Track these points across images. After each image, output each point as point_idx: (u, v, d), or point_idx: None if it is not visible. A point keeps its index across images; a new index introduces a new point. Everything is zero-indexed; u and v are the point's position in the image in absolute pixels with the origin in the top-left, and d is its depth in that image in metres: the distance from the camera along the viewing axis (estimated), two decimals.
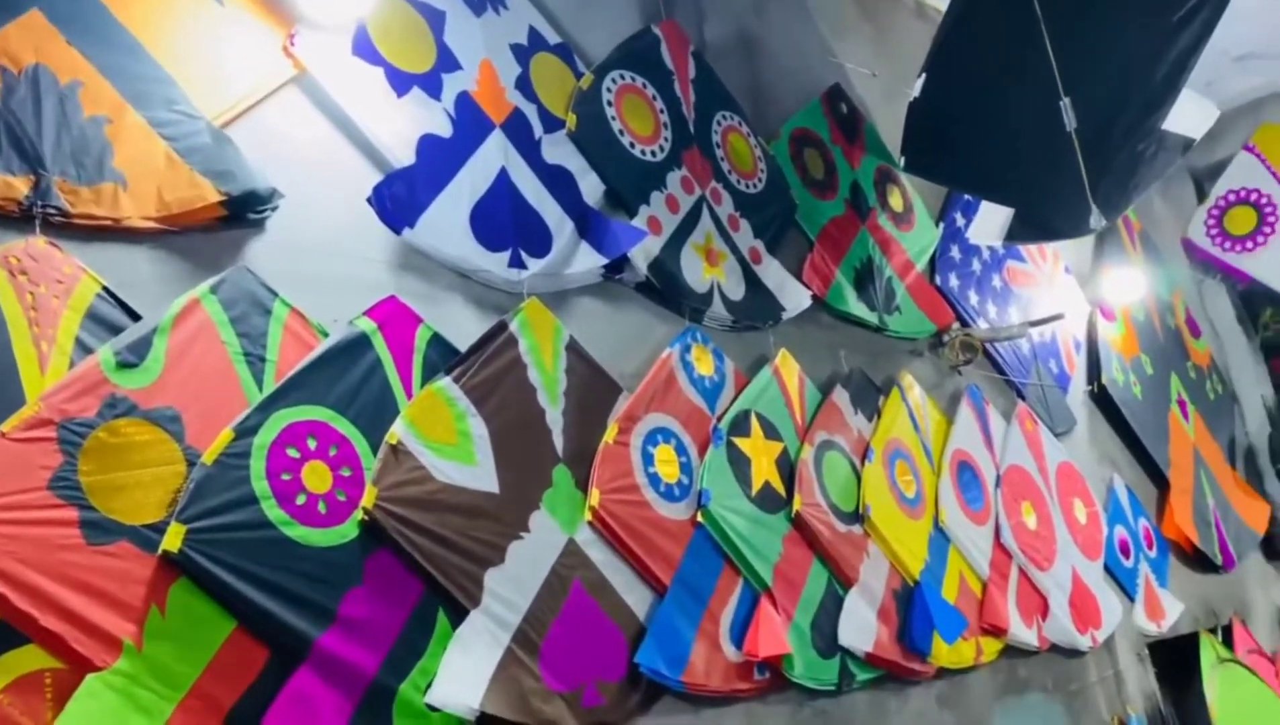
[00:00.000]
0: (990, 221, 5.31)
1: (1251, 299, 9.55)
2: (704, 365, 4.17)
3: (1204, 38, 4.43)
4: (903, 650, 4.45)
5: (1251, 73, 8.73)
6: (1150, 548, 6.86)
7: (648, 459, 3.73)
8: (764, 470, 4.19)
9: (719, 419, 4.13)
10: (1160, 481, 7.35)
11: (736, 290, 4.51)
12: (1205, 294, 9.43)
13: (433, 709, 2.86)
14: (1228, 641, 7.25)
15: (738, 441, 4.12)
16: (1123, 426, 7.10)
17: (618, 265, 3.97)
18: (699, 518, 3.82)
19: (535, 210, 3.72)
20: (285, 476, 2.73)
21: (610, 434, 3.62)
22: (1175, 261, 9.07)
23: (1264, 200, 9.11)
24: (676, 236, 4.27)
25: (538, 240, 3.68)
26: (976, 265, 6.28)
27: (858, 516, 4.55)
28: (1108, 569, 6.29)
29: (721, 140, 4.72)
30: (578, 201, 3.90)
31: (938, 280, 5.92)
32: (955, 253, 6.12)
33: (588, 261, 3.84)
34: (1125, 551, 6.54)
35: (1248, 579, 8.10)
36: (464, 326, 3.40)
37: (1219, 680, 6.74)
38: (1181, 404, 7.99)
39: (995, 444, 5.72)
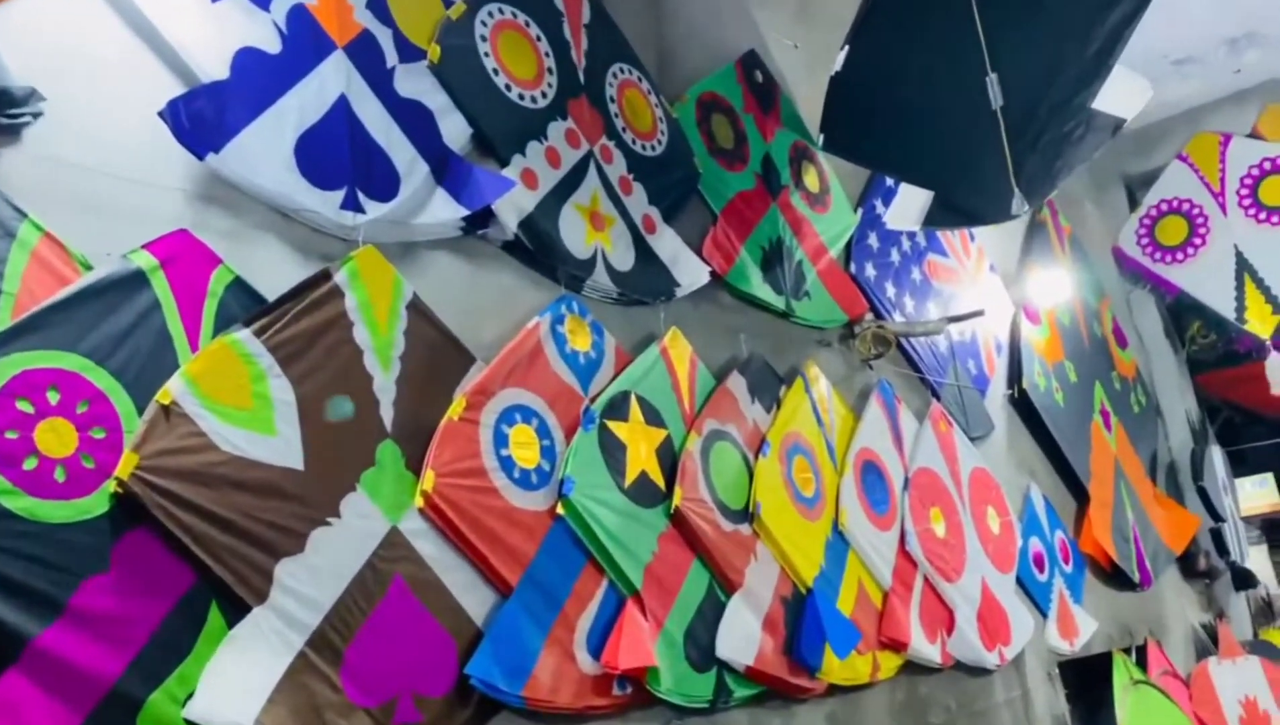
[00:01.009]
0: (908, 205, 4.94)
1: (1180, 312, 9.37)
2: (579, 339, 3.71)
3: (1141, 7, 4.09)
4: (790, 664, 4.03)
5: (1190, 78, 8.52)
6: (1066, 562, 6.56)
7: (501, 439, 3.25)
8: (641, 459, 3.74)
9: (593, 400, 3.67)
10: (1079, 493, 7.06)
11: (624, 259, 4.06)
12: (1134, 304, 9.23)
13: (191, 724, 2.36)
14: (1141, 662, 7.00)
15: (613, 426, 3.66)
16: (1043, 434, 6.80)
17: (481, 220, 3.49)
18: (559, 509, 3.35)
19: (381, 148, 3.22)
20: (11, 434, 2.21)
21: (456, 409, 3.13)
22: (1105, 269, 8.84)
23: (1195, 211, 8.92)
24: (556, 194, 3.80)
25: (381, 182, 3.18)
26: (895, 256, 5.90)
27: (747, 515, 4.12)
28: (1020, 582, 5.97)
29: (617, 95, 4.26)
30: (436, 143, 3.41)
31: (853, 268, 5.53)
32: (873, 241, 5.74)
33: (444, 212, 3.36)
34: (1040, 565, 6.22)
35: (1164, 598, 7.87)
36: (280, 274, 2.89)
37: (1130, 702, 6.47)
38: (1104, 414, 7.73)
39: (905, 444, 5.35)
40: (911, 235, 6.10)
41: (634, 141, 4.27)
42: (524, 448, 3.33)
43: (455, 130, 3.51)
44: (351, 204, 3.07)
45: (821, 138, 4.46)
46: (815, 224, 5.30)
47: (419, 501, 2.96)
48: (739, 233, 4.74)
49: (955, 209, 4.87)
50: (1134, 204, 9.42)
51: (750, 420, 4.38)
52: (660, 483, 3.80)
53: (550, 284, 3.74)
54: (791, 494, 4.40)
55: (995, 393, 6.51)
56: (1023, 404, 6.69)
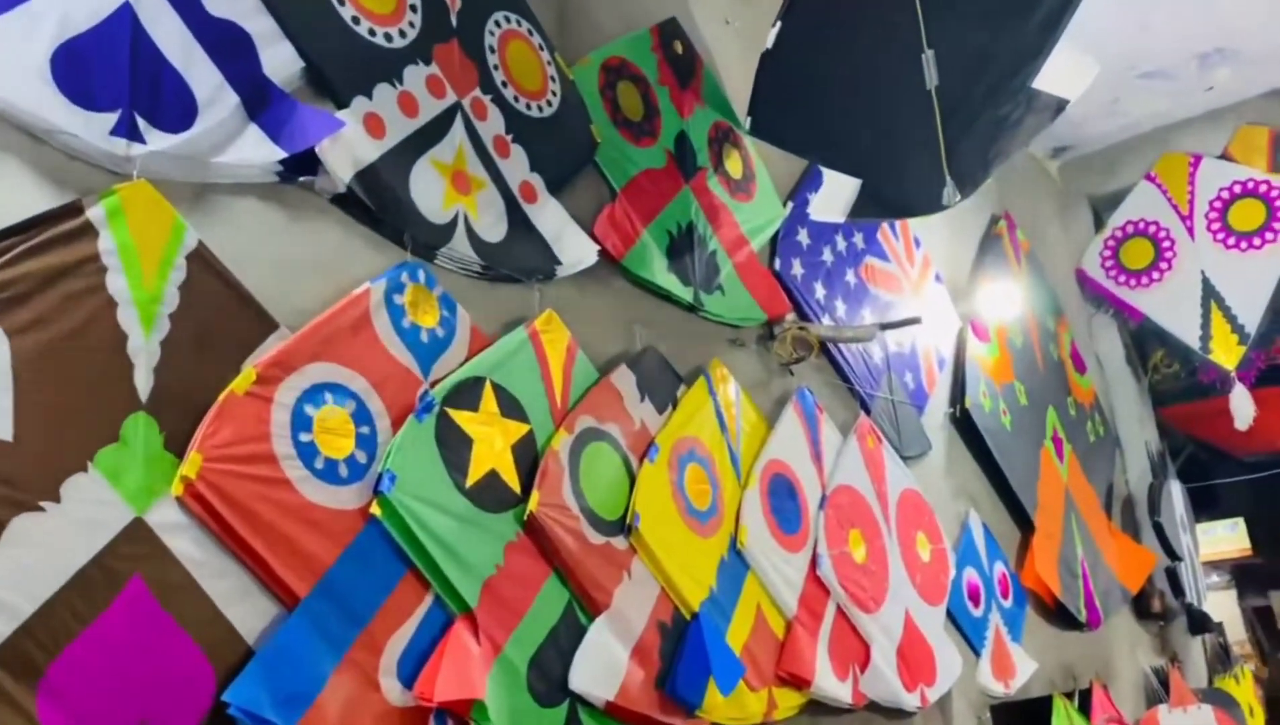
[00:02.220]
0: (834, 195, 4.49)
1: (1143, 339, 8.95)
2: (422, 313, 3.19)
3: None
4: (662, 701, 3.51)
5: (1158, 94, 8.12)
6: (1005, 596, 6.07)
7: (301, 422, 2.73)
8: (491, 456, 3.22)
9: (434, 384, 3.16)
10: (1024, 523, 6.58)
11: (494, 229, 3.56)
12: (1095, 329, 8.80)
13: None
14: (1084, 708, 6.50)
15: (456, 415, 3.15)
16: (986, 458, 6.33)
17: (306, 166, 2.98)
18: (374, 509, 2.83)
19: (175, 70, 2.71)
20: None
21: (242, 382, 2.61)
22: (1066, 290, 8.42)
23: (1162, 234, 8.55)
24: (409, 146, 3.30)
25: (171, 109, 2.66)
26: (828, 256, 5.43)
27: (623, 527, 3.61)
28: (951, 616, 5.47)
29: (498, 46, 3.77)
30: (253, 73, 2.91)
31: (777, 265, 5.05)
32: (803, 237, 5.27)
33: (255, 152, 2.84)
34: (975, 598, 5.72)
35: (1114, 639, 7.39)
36: (23, 208, 2.37)
37: None
38: (1057, 442, 7.27)
39: (824, 459, 4.85)
40: (848, 235, 5.63)
41: (516, 99, 3.78)
42: (333, 434, 2.81)
43: (281, 61, 3.00)
44: (127, 130, 2.55)
45: (749, 121, 4.02)
46: (735, 213, 4.81)
47: (177, 489, 2.43)
48: (642, 213, 4.25)
49: (883, 200, 4.42)
50: (1099, 225, 9.03)
51: (637, 420, 3.87)
52: (514, 485, 3.28)
53: (393, 249, 3.23)
54: (681, 506, 3.89)
55: (935, 411, 6.03)
56: (965, 424, 6.22)
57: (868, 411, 5.37)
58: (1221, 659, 8.90)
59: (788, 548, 4.39)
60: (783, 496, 4.47)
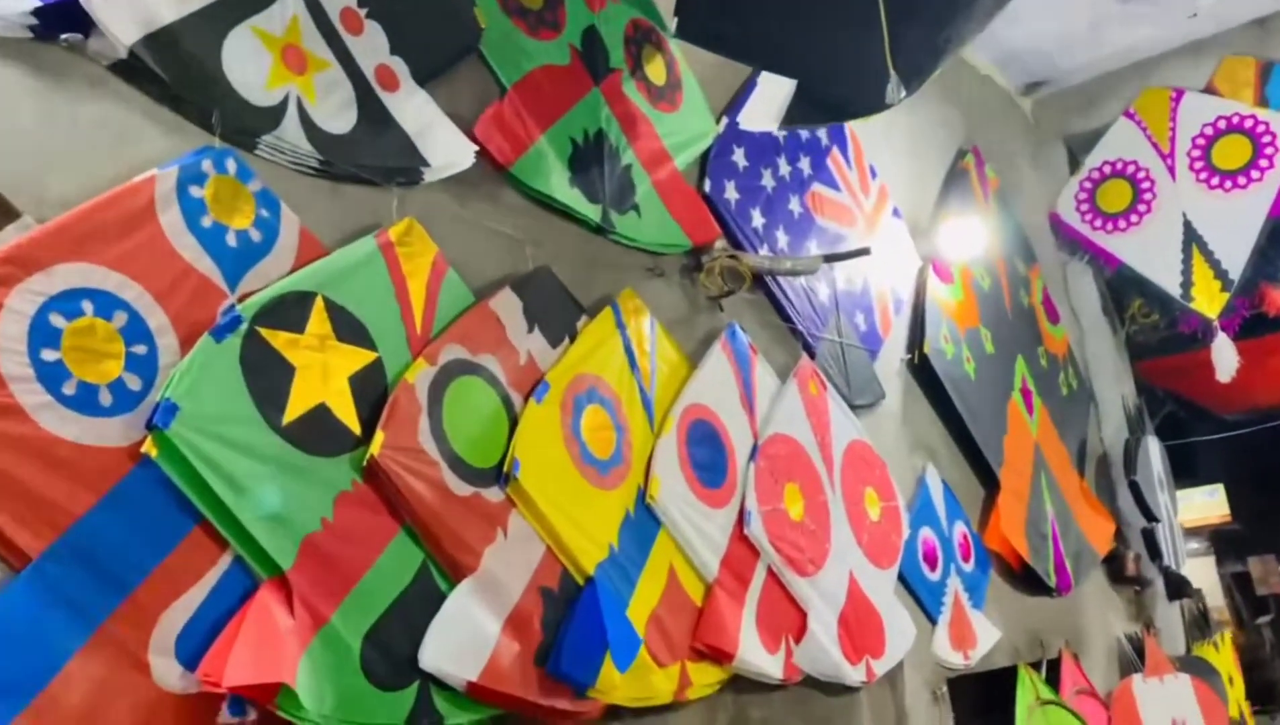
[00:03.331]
0: (767, 101, 3.94)
1: (1120, 288, 8.38)
2: (230, 211, 2.60)
3: None
4: (542, 680, 2.96)
5: (1142, 22, 7.52)
6: (966, 559, 5.55)
7: (44, 336, 2.15)
8: (320, 388, 2.65)
9: (245, 299, 2.57)
10: (989, 480, 6.05)
11: (338, 118, 2.97)
12: (1070, 276, 8.24)
13: None
14: (1053, 679, 6.00)
15: (272, 337, 2.56)
16: (947, 408, 5.78)
17: (75, 21, 2.37)
18: (149, 447, 2.25)
19: None
20: None
21: None
22: (1039, 236, 7.86)
23: (1140, 174, 7.99)
24: (223, 9, 2.69)
25: None
26: (768, 180, 4.84)
27: (499, 476, 3.04)
28: (904, 581, 4.94)
29: None
30: None
31: (707, 187, 4.46)
32: (739, 158, 4.68)
33: None
34: (931, 561, 5.20)
35: (1086, 605, 6.90)
36: None
37: None
38: (1026, 394, 6.74)
39: (757, 406, 4.29)
40: (793, 159, 5.05)
41: None
42: (91, 353, 2.23)
43: None
44: None
45: (675, 22, 3.45)
46: (656, 124, 4.22)
47: None
48: (539, 116, 3.65)
49: (821, 102, 3.86)
50: (1075, 167, 8.45)
51: (523, 353, 3.30)
52: (352, 424, 2.71)
53: (196, 132, 2.63)
54: (576, 453, 3.32)
55: (890, 356, 5.47)
56: (924, 371, 5.67)
57: (811, 355, 4.81)
58: (1200, 625, 8.44)
59: (709, 503, 3.83)
60: (704, 445, 3.91)
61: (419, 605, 2.73)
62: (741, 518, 3.95)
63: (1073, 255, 8.26)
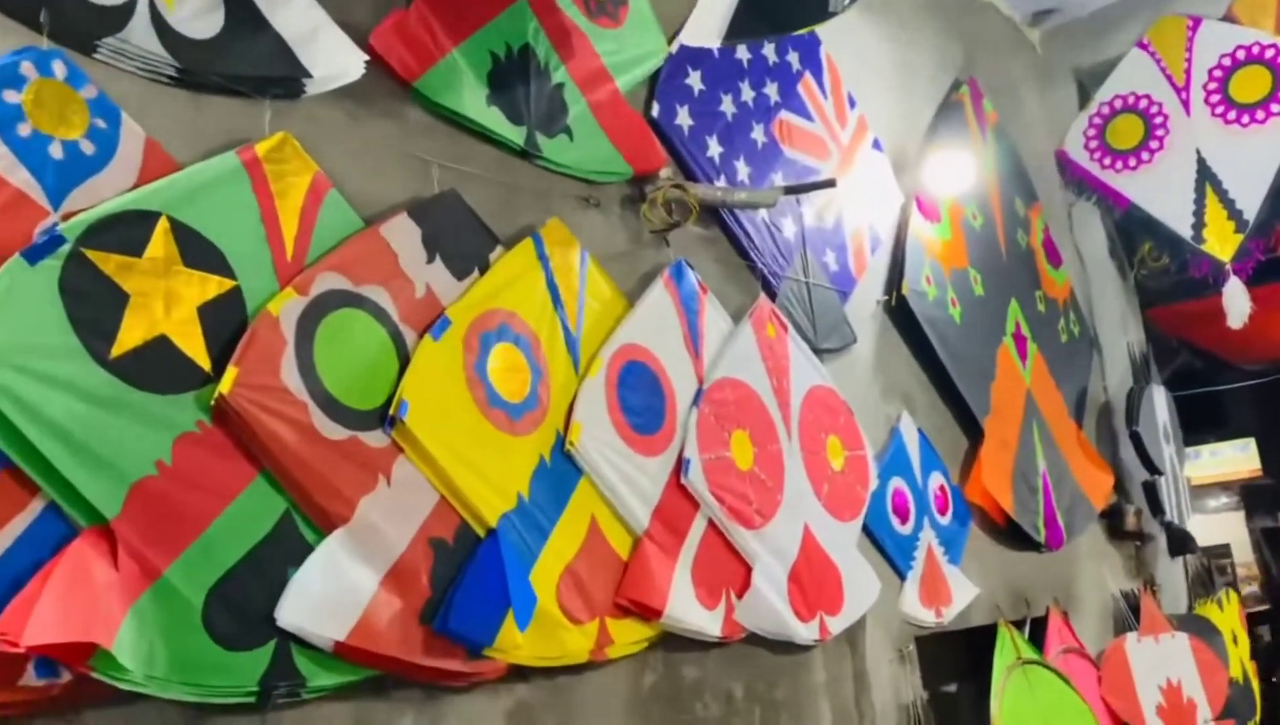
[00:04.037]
0: (709, 15, 3.58)
1: (1129, 229, 7.95)
2: (55, 119, 2.32)
3: None
4: (428, 639, 2.73)
5: None
6: (943, 512, 5.26)
7: None
8: (160, 318, 2.39)
9: (70, 217, 2.30)
10: (974, 430, 5.74)
11: (200, 21, 2.68)
12: (1076, 217, 7.82)
13: None
14: (1038, 638, 5.73)
15: (101, 261, 2.30)
16: (928, 354, 5.46)
17: None
18: None
19: None
20: None
21: None
22: (1043, 175, 7.45)
23: (1154, 109, 7.53)
24: None
25: None
26: (728, 106, 4.50)
27: (384, 418, 2.78)
28: (870, 534, 4.67)
29: None
30: None
31: (656, 111, 4.13)
32: (695, 82, 4.34)
33: None
34: (902, 513, 4.92)
35: (1079, 561, 6.61)
36: None
37: (1012, 688, 5.21)
38: (1019, 339, 6.39)
39: (704, 348, 4.00)
40: (758, 84, 4.70)
41: None
42: None
43: None
44: None
45: None
46: (595, 41, 3.89)
47: None
48: (452, 27, 3.34)
49: (765, 12, 3.51)
50: (1085, 102, 7.99)
51: (419, 285, 3.02)
52: (201, 359, 2.46)
53: (24, 32, 2.34)
54: (481, 395, 3.06)
55: (864, 297, 5.15)
56: (902, 315, 5.34)
57: (772, 296, 4.49)
58: (1205, 582, 8.11)
59: (641, 450, 3.57)
60: (639, 389, 3.63)
61: (279, 558, 2.49)
62: (680, 467, 3.68)
63: (1079, 195, 7.83)
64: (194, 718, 2.34)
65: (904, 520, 4.91)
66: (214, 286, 2.51)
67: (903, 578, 4.84)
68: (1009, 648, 5.35)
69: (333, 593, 2.54)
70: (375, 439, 2.75)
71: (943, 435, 5.47)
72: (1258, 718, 7.40)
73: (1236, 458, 13.68)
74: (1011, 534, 5.85)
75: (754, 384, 4.15)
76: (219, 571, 2.37)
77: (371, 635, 2.58)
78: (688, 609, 3.52)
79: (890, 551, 4.77)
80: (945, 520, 5.24)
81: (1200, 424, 9.51)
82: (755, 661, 3.90)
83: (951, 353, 5.50)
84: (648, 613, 3.40)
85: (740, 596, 3.79)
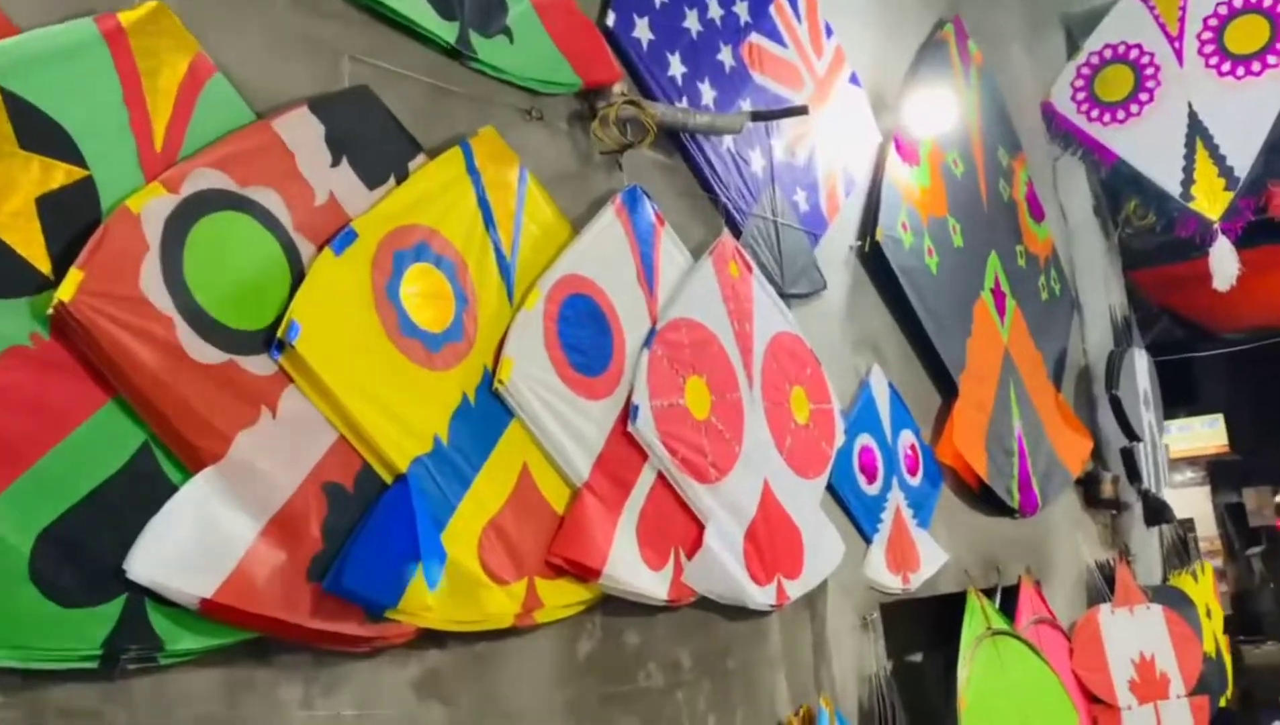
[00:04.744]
0: None
1: (1116, 187, 7.64)
2: None
3: None
4: (319, 598, 2.34)
5: None
6: (913, 473, 4.93)
7: None
8: None
9: None
10: (948, 388, 5.41)
11: None
12: (1060, 171, 7.49)
13: None
14: (1009, 608, 5.45)
15: None
16: (902, 305, 5.11)
17: None
18: None
19: None
20: None
21: None
22: (1028, 125, 7.09)
23: (1145, 59, 7.19)
24: None
25: None
26: (693, 22, 4.09)
27: (270, 341, 2.38)
28: (835, 493, 4.34)
29: None
30: None
31: (611, 20, 3.72)
32: None
33: None
34: (870, 473, 4.59)
35: (1053, 528, 6.34)
36: None
37: (981, 658, 4.93)
38: (998, 295, 6.07)
39: (659, 284, 3.62)
40: (727, 2, 4.29)
41: None
42: None
43: None
44: None
45: None
46: None
47: None
48: None
49: None
50: (1074, 51, 7.63)
51: (320, 191, 2.61)
52: (39, 260, 2.04)
53: None
54: (392, 321, 2.66)
55: (836, 242, 4.79)
56: (876, 262, 4.99)
57: (736, 233, 4.12)
58: (1180, 553, 7.89)
59: (583, 393, 3.19)
60: (582, 325, 3.25)
61: (133, 499, 2.10)
62: (628, 413, 3.31)
63: (1065, 149, 7.48)
64: (30, 684, 1.95)
65: (871, 480, 4.58)
66: (60, 175, 2.09)
67: (868, 541, 4.52)
68: (978, 617, 5.07)
69: (199, 542, 2.16)
70: (258, 365, 2.35)
71: (914, 392, 5.14)
72: (1229, 692, 7.21)
73: (1205, 433, 13.63)
74: (984, 498, 5.55)
75: (713, 326, 3.78)
76: (54, 512, 1.97)
77: (246, 593, 2.19)
78: (631, 569, 3.17)
79: (856, 513, 4.44)
80: (915, 481, 4.92)
81: (1171, 398, 9.27)
82: (706, 628, 3.56)
83: (926, 305, 5.16)
84: (585, 572, 3.04)
85: (690, 556, 3.43)
